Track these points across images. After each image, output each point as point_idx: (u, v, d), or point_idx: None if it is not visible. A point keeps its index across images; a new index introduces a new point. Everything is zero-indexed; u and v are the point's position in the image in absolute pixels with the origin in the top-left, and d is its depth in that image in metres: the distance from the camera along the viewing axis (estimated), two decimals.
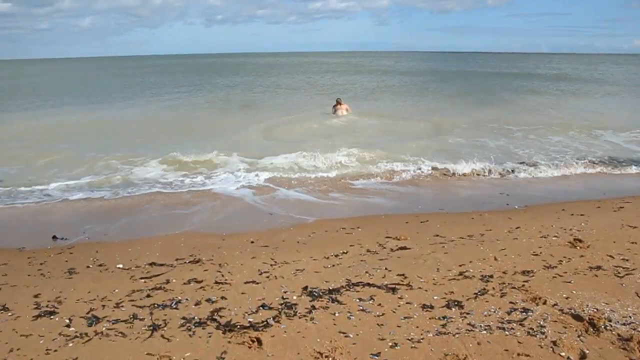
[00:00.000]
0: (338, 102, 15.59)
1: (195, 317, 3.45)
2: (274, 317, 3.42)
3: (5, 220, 6.56)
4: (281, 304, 3.62)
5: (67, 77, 44.49)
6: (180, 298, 3.79)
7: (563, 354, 2.92)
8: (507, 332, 3.16)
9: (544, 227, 5.58)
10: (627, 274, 4.06)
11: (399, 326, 3.27)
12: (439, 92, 25.10)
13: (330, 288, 3.90)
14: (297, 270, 4.35)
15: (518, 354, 2.91)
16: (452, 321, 3.32)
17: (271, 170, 8.84)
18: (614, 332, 3.13)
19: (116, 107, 19.46)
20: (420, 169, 8.97)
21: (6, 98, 23.32)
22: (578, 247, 4.79)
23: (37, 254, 5.10)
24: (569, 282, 3.93)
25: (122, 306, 3.67)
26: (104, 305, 3.68)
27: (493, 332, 3.17)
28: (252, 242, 5.37)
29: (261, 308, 3.57)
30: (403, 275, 4.14)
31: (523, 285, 3.87)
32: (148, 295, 3.86)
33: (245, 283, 4.06)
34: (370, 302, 3.64)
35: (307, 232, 5.73)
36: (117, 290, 3.98)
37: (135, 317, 3.48)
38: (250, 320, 3.39)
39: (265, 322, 3.34)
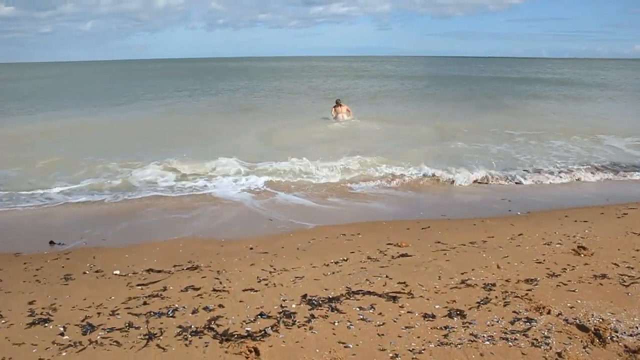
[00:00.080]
0: (338, 104, 15.24)
1: (192, 326, 3.38)
2: (272, 326, 3.34)
3: (4, 224, 6.51)
4: (280, 313, 3.55)
5: (68, 81, 44.58)
6: (177, 306, 3.72)
7: None
8: (510, 343, 3.08)
9: (547, 234, 5.50)
10: (632, 283, 3.98)
11: (399, 336, 3.19)
12: (441, 96, 25.06)
13: (330, 296, 3.83)
14: (297, 277, 4.28)
15: None
16: (454, 331, 3.25)
17: (271, 175, 8.79)
18: (620, 344, 3.05)
19: (117, 110, 19.44)
20: (421, 174, 8.90)
21: (8, 101, 23.33)
22: (582, 255, 4.70)
23: (34, 259, 5.05)
24: (574, 290, 3.85)
25: (118, 314, 3.61)
26: (99, 313, 3.62)
27: (496, 342, 3.09)
28: (251, 248, 5.30)
29: (259, 317, 3.49)
30: (404, 283, 4.07)
31: (526, 294, 3.79)
32: (144, 303, 3.80)
33: (244, 291, 3.98)
34: (371, 311, 3.57)
35: (307, 238, 5.66)
36: (113, 298, 3.91)
37: (130, 326, 3.41)
38: (248, 329, 3.31)
39: (263, 332, 3.26)
